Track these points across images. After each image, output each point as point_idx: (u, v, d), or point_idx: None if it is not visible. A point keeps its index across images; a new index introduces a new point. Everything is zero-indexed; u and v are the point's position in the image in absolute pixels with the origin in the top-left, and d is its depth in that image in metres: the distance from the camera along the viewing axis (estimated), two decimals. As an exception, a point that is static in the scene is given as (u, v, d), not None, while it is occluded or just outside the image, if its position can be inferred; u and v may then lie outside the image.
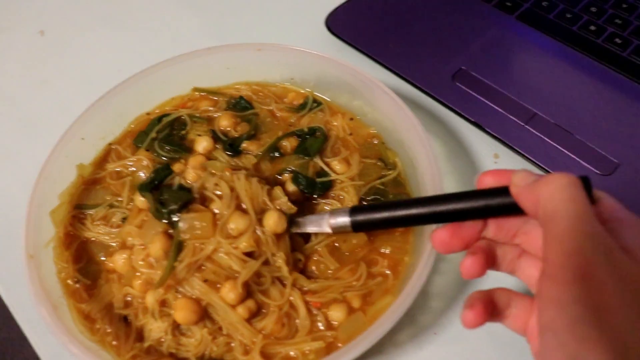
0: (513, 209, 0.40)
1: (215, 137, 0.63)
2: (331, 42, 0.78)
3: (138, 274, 0.53)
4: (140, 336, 0.53)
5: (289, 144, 0.63)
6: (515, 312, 0.41)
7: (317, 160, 0.61)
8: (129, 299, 0.54)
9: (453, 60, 0.74)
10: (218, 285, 0.51)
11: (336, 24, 0.79)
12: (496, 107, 0.68)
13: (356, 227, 0.51)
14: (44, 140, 0.62)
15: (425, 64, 0.74)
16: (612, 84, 0.71)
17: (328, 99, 0.69)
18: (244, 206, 0.53)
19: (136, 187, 0.57)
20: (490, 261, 0.43)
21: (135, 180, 0.61)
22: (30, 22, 0.87)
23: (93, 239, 0.58)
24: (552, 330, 0.32)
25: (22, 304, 0.58)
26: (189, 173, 0.56)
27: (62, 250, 0.57)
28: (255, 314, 0.52)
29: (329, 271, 0.55)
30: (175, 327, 0.52)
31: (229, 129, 0.64)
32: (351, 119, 0.67)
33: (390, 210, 0.47)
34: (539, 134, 0.66)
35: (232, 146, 0.62)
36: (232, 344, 0.52)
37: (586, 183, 0.37)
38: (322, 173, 0.61)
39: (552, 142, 0.65)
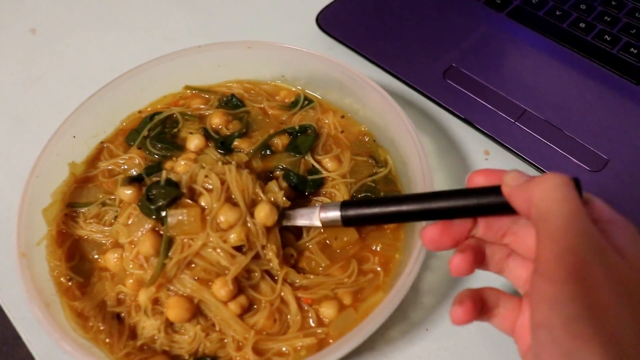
0: (504, 209, 0.40)
1: (207, 135, 0.63)
2: (322, 39, 0.78)
3: (129, 273, 0.53)
4: (133, 334, 0.53)
5: (280, 142, 0.63)
6: (504, 312, 0.41)
7: (309, 158, 0.62)
8: (121, 297, 0.54)
9: (444, 57, 0.74)
10: (210, 283, 0.51)
11: (327, 21, 0.79)
12: (487, 104, 0.69)
13: (347, 221, 0.50)
14: (35, 139, 0.62)
15: (416, 62, 0.74)
16: (601, 81, 0.72)
17: (319, 97, 0.69)
18: (234, 198, 0.53)
19: (120, 181, 0.57)
20: (479, 260, 0.43)
21: (128, 179, 0.61)
22: (22, 20, 0.87)
23: (86, 237, 0.58)
24: (547, 327, 0.32)
25: (15, 302, 0.58)
26: (179, 165, 0.56)
27: (54, 249, 0.57)
28: (247, 310, 0.52)
29: (320, 268, 0.56)
30: (168, 325, 0.52)
31: (220, 126, 0.65)
32: (342, 116, 0.67)
33: (381, 206, 0.47)
34: (529, 131, 0.66)
35: (224, 144, 0.62)
36: (225, 340, 0.52)
37: (577, 184, 0.37)
38: (313, 171, 0.61)
39: (542, 139, 0.65)
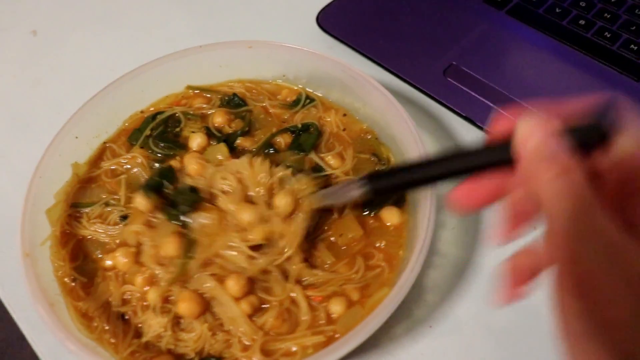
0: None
1: (210, 133, 0.64)
2: (323, 38, 0.78)
3: (143, 269, 0.54)
4: (138, 334, 0.53)
5: (282, 140, 0.63)
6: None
7: (313, 156, 0.62)
8: (127, 296, 0.55)
9: (444, 55, 0.74)
10: (224, 279, 0.52)
11: (327, 20, 0.79)
12: (487, 102, 0.69)
13: (376, 192, 0.48)
14: (38, 140, 0.62)
15: (417, 60, 0.74)
16: (602, 78, 0.72)
17: (320, 95, 0.69)
18: (251, 194, 0.55)
19: (138, 189, 0.57)
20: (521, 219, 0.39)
21: (131, 178, 0.61)
22: (22, 22, 0.87)
23: (89, 237, 0.58)
24: (561, 338, 0.31)
25: (20, 303, 0.58)
26: (189, 163, 0.58)
27: (58, 249, 0.57)
28: (258, 310, 0.53)
29: (326, 265, 0.56)
30: (175, 323, 0.52)
31: (223, 125, 0.65)
32: (344, 114, 0.67)
33: (408, 173, 0.45)
34: (530, 128, 0.66)
35: (227, 142, 0.62)
36: (231, 341, 0.52)
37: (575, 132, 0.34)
38: (317, 168, 0.61)
39: (543, 136, 0.65)
